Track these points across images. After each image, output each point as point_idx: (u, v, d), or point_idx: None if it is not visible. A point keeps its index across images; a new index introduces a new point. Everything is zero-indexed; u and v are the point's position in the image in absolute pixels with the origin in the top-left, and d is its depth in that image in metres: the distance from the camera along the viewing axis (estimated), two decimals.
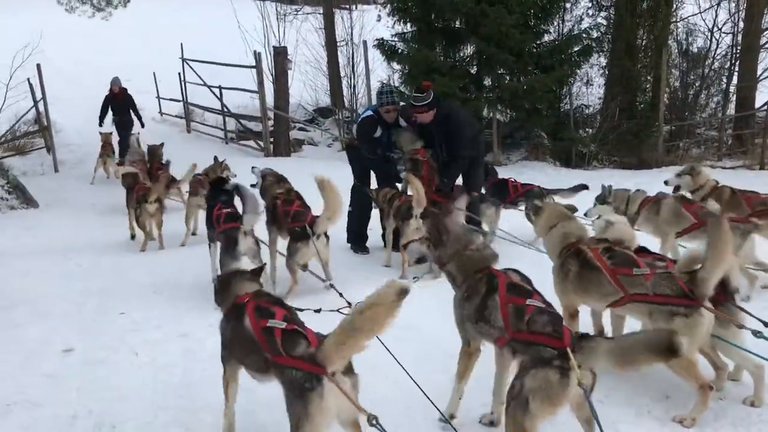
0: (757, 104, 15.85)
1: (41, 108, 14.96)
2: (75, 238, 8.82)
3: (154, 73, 19.91)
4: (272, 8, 19.42)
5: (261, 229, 5.95)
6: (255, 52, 15.57)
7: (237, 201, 6.22)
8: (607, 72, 16.07)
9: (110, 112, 13.94)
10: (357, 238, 7.21)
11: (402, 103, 7.50)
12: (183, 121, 19.49)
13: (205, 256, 6.18)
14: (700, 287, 3.26)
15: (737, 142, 15.67)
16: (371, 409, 2.59)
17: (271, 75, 15.92)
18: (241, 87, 16.20)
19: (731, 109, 16.44)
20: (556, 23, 15.66)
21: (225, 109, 17.64)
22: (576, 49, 14.78)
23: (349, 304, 3.42)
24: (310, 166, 11.67)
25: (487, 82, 14.72)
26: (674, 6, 16.22)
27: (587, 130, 15.62)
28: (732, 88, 16.35)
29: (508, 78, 14.46)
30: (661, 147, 14.14)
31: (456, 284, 3.36)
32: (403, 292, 2.47)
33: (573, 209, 4.46)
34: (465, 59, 15.17)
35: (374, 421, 2.52)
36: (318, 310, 3.43)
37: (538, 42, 14.79)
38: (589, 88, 16.75)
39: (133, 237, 8.44)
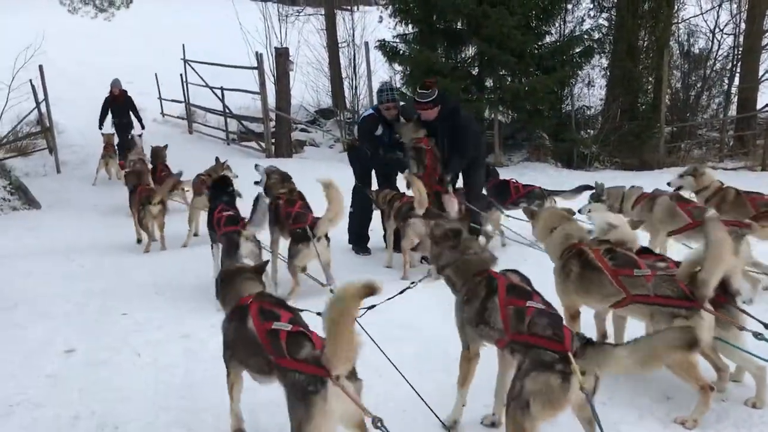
0: (759, 105, 15.84)
1: (43, 109, 14.98)
2: (77, 239, 8.85)
3: (155, 74, 19.93)
4: (274, 9, 19.44)
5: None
6: (257, 53, 15.58)
7: (237, 201, 6.25)
8: (608, 73, 16.05)
9: (110, 115, 13.95)
10: (358, 239, 7.22)
11: (402, 103, 7.50)
12: (185, 122, 19.50)
13: (207, 257, 6.19)
14: (700, 289, 3.26)
15: (739, 144, 15.67)
16: (374, 411, 2.59)
17: (273, 76, 15.92)
18: (242, 88, 16.22)
19: (733, 111, 16.42)
20: (557, 24, 15.65)
21: (227, 110, 17.64)
22: (577, 50, 14.77)
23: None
24: (311, 167, 11.69)
25: (489, 83, 14.71)
26: (676, 7, 16.19)
27: (589, 131, 15.61)
28: (733, 90, 16.34)
29: (509, 79, 14.45)
30: (662, 148, 14.13)
31: (455, 289, 3.36)
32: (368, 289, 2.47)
33: (570, 212, 4.47)
34: (466, 60, 15.16)
35: (379, 424, 2.51)
36: (320, 313, 3.42)
37: (539, 43, 14.79)
38: (591, 89, 16.73)
39: (139, 241, 8.36)
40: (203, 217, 7.43)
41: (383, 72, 16.47)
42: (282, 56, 15.67)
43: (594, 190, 6.36)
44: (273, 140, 15.67)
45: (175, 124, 19.91)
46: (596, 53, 15.42)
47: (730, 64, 16.66)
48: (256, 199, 5.68)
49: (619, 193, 6.11)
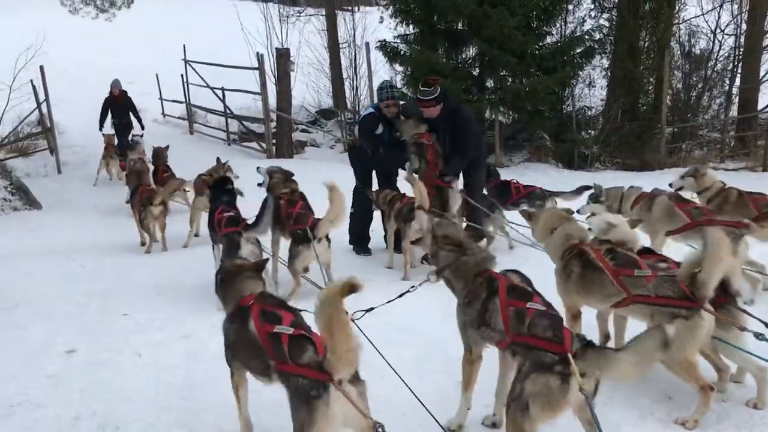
0: (760, 106, 15.84)
1: (44, 109, 15.01)
2: (78, 240, 8.85)
3: (156, 75, 19.95)
4: (275, 10, 19.48)
5: None
6: (258, 53, 15.60)
7: (238, 200, 6.25)
8: (609, 74, 16.06)
9: (110, 115, 13.94)
10: (359, 240, 7.22)
11: (402, 102, 7.50)
12: (185, 123, 19.53)
13: (208, 257, 6.19)
14: (700, 289, 3.26)
15: (740, 144, 15.67)
16: (374, 415, 2.59)
17: (274, 77, 15.94)
18: (243, 89, 16.25)
19: (734, 111, 16.42)
20: (558, 25, 15.66)
21: (227, 111, 17.66)
22: (578, 50, 14.76)
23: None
24: (312, 167, 11.69)
25: (490, 83, 14.71)
26: (677, 8, 16.19)
27: (590, 131, 15.62)
28: (734, 90, 16.35)
29: (510, 80, 14.45)
30: (663, 149, 14.13)
31: (455, 291, 3.36)
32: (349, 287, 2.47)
33: (570, 212, 4.47)
34: (467, 61, 15.16)
35: (380, 430, 2.52)
36: None
37: (540, 44, 14.79)
38: (592, 89, 16.74)
39: (143, 243, 8.26)
40: (204, 217, 7.44)
41: (384, 72, 16.46)
42: (283, 57, 15.69)
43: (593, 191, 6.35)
44: (274, 141, 15.69)
45: (175, 125, 19.92)
46: (597, 54, 15.42)
47: (731, 65, 16.66)
48: (264, 202, 5.69)
49: (617, 194, 6.10)
